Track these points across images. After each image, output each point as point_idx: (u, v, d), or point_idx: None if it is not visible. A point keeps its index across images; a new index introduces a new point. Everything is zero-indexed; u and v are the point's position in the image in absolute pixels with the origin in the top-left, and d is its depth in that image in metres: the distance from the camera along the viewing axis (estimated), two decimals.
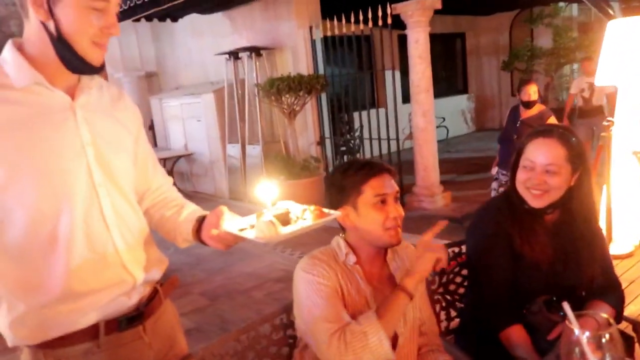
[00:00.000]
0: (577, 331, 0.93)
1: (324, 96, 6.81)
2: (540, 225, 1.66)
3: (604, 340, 0.92)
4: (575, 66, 9.51)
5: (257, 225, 1.14)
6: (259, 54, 6.89)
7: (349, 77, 6.73)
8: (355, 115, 6.73)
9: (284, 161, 6.36)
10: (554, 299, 1.57)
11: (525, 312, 1.63)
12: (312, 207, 1.21)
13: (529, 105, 4.67)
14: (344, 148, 7.05)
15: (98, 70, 1.16)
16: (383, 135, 6.17)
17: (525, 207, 1.65)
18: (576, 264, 1.65)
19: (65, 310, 1.14)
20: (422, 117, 5.99)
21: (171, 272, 1.40)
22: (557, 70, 8.78)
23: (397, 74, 9.22)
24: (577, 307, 1.63)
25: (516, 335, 1.59)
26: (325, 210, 1.22)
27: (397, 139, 5.94)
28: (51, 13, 1.05)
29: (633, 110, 3.81)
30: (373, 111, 6.38)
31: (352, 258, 1.46)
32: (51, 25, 1.06)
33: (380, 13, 5.74)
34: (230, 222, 1.22)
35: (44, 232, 1.11)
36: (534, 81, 4.81)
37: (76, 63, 1.11)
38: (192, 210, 1.38)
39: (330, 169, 6.92)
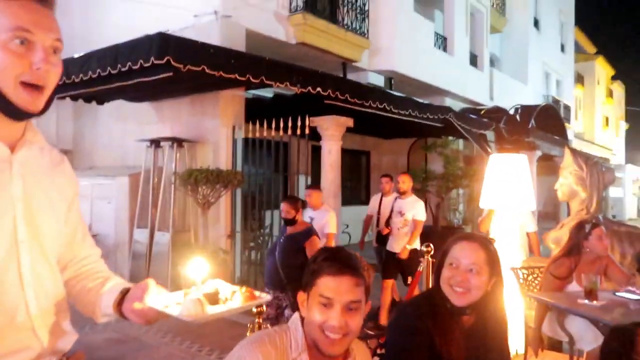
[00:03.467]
0: None
1: (239, 192, 6.83)
2: (457, 326, 1.70)
3: None
4: (462, 191, 10.47)
5: (184, 303, 1.08)
6: (180, 145, 6.87)
7: (265, 177, 6.87)
8: (267, 213, 6.78)
9: (192, 250, 6.13)
10: None
11: None
12: (243, 289, 1.17)
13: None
14: (252, 243, 6.99)
15: (34, 115, 1.06)
16: None
17: (448, 306, 1.70)
18: (487, 356, 1.71)
19: None
20: None
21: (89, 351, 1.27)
22: (447, 192, 9.61)
23: (309, 179, 9.54)
24: None
25: None
26: (257, 293, 1.18)
27: None
28: None
29: (508, 230, 4.21)
30: None
31: (304, 358, 1.31)
32: None
33: (299, 123, 6.07)
34: (155, 297, 1.14)
35: None
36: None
37: (5, 107, 1.01)
38: (116, 282, 1.27)
39: (238, 262, 6.77)
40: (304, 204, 4.58)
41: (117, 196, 7.27)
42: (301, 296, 1.39)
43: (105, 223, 7.41)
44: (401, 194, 5.42)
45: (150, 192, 6.94)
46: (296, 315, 1.41)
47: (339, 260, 1.34)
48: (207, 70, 4.94)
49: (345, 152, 8.62)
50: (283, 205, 4.23)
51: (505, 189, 3.90)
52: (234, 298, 1.15)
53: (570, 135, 12.71)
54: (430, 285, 1.84)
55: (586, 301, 2.98)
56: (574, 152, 4.60)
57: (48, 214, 1.15)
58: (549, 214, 14.63)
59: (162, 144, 6.99)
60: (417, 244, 5.27)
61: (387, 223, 5.47)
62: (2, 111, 1.03)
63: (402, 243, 5.22)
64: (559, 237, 4.30)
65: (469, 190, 10.32)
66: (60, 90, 6.31)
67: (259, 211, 6.90)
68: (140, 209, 6.98)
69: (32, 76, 1.00)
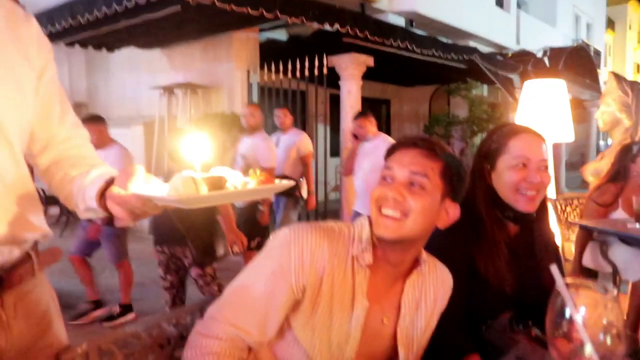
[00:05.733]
0: (570, 308, 0.73)
1: None
2: (503, 242, 1.41)
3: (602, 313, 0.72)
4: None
5: (172, 182, 0.83)
6: (194, 91, 6.63)
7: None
8: None
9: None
10: (517, 317, 1.35)
11: (483, 330, 1.37)
12: (257, 172, 0.90)
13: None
14: None
15: None
16: None
17: (509, 214, 1.40)
18: (538, 278, 1.42)
19: None
20: None
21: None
22: (471, 137, 9.24)
23: (327, 128, 9.27)
24: (543, 326, 1.44)
25: None
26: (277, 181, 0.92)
27: (325, 184, 5.82)
28: None
29: None
30: None
31: (367, 257, 1.07)
32: None
33: (317, 64, 5.74)
34: (143, 185, 0.89)
35: None
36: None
37: None
38: (103, 171, 1.03)
39: None
40: None
41: (132, 146, 7.10)
42: None
43: None
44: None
45: (166, 141, 6.77)
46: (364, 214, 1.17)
47: (413, 136, 1.12)
48: (217, 3, 4.61)
49: (365, 101, 8.28)
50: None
51: (541, 119, 3.57)
52: (246, 185, 0.89)
53: (600, 81, 12.06)
54: None
55: (637, 225, 2.71)
56: (619, 77, 4.20)
57: (4, 81, 0.92)
58: (574, 164, 14.13)
59: (175, 91, 6.76)
60: None
61: None
62: None
63: None
64: (598, 168, 3.98)
65: None
66: (68, 34, 6.10)
67: None
68: (156, 158, 6.83)
69: None
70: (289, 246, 1.04)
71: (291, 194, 4.55)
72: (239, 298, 1.06)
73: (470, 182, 1.41)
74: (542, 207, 1.45)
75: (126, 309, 3.86)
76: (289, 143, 4.69)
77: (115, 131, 7.26)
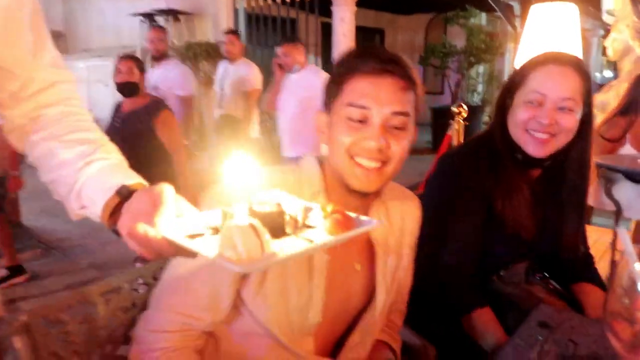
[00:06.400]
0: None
1: None
2: (525, 183, 1.24)
3: None
4: (482, 69, 9.68)
5: (225, 234, 0.56)
6: (177, 18, 6.18)
7: (270, 56, 6.22)
8: None
9: (197, 131, 5.71)
10: (533, 267, 1.21)
11: (495, 280, 1.23)
12: (329, 207, 0.65)
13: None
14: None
15: None
16: None
17: (518, 157, 1.22)
18: (559, 229, 1.28)
19: None
20: None
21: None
22: (468, 69, 8.86)
23: (319, 60, 8.87)
24: (560, 279, 1.28)
25: (484, 319, 1.18)
26: (351, 213, 0.66)
27: None
28: None
29: None
30: None
31: (321, 201, 0.92)
32: None
33: None
34: (173, 219, 0.65)
35: None
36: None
37: None
38: (109, 163, 0.77)
39: None
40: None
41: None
42: (320, 118, 0.95)
43: (103, 107, 6.96)
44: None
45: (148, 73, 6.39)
46: (309, 153, 1.01)
47: (377, 56, 0.88)
48: None
49: (358, 30, 7.84)
50: (119, 63, 2.85)
51: (549, 48, 3.29)
52: (310, 219, 0.65)
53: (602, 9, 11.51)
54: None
55: None
56: (635, 0, 3.86)
57: None
58: None
59: (156, 18, 6.31)
60: None
61: None
62: None
63: None
64: (605, 101, 3.75)
65: (489, 67, 9.52)
66: None
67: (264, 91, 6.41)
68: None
69: None
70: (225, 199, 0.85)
71: (236, 136, 4.08)
72: (181, 281, 0.89)
73: (494, 116, 1.28)
74: (577, 150, 1.25)
75: (15, 270, 3.16)
76: (236, 76, 4.09)
77: (96, 62, 6.88)
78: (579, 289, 1.31)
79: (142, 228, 0.62)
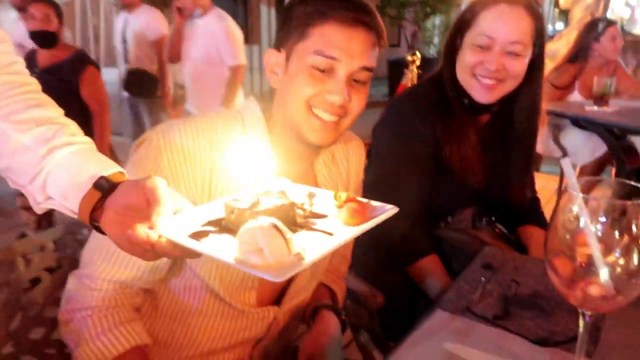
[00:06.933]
0: (583, 216, 0.52)
1: None
2: (473, 129, 1.21)
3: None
4: (438, 20, 9.62)
5: (246, 236, 0.51)
6: None
7: (221, 6, 5.93)
8: None
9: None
10: (480, 212, 1.20)
11: (442, 227, 1.22)
12: (343, 195, 0.63)
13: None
14: None
15: None
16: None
17: (465, 102, 1.19)
18: (507, 175, 1.27)
19: None
20: None
21: None
22: (424, 19, 8.77)
23: (271, 11, 8.55)
24: (509, 225, 1.28)
25: (430, 266, 1.17)
26: (363, 200, 0.63)
27: None
28: None
29: None
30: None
31: (265, 150, 0.88)
32: None
33: None
34: (171, 214, 0.58)
35: None
36: None
37: None
38: (80, 148, 0.67)
39: None
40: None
41: None
42: (272, 57, 0.87)
43: None
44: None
45: (90, 24, 6.00)
46: (251, 98, 0.94)
47: (350, 2, 0.82)
48: None
49: None
50: (31, 7, 2.46)
51: None
52: (315, 205, 0.62)
53: None
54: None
55: (595, 107, 2.59)
56: None
57: None
58: None
59: None
60: None
61: None
62: None
63: None
64: (555, 49, 3.78)
65: (446, 19, 9.46)
66: None
67: None
68: (81, 44, 6.09)
69: None
70: (160, 156, 0.79)
71: (151, 94, 3.57)
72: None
73: (442, 57, 1.23)
74: (526, 95, 1.23)
75: None
76: (137, 26, 3.54)
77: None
78: (525, 232, 1.33)
79: (142, 231, 0.55)
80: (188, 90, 3.23)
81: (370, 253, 1.21)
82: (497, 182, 1.25)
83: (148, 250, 0.57)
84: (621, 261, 0.52)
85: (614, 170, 2.83)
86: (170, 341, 0.92)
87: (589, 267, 0.53)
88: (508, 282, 0.87)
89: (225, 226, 0.58)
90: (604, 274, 0.52)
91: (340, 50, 0.79)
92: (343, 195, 0.62)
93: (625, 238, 0.52)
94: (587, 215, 0.52)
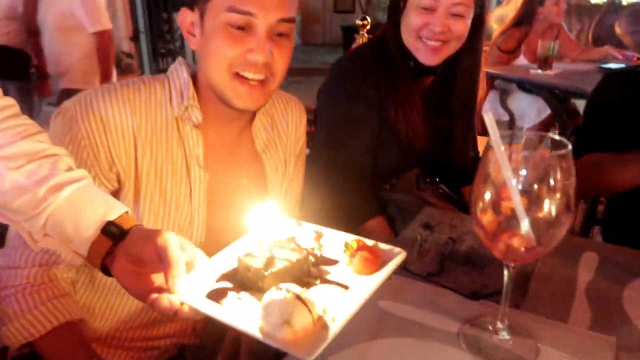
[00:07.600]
0: (504, 168, 0.52)
1: None
2: (418, 93, 1.22)
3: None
4: None
5: (270, 308, 0.51)
6: None
7: None
8: (176, 15, 5.77)
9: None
10: (424, 174, 1.21)
11: (387, 189, 1.22)
12: (354, 244, 0.63)
13: None
14: (163, 50, 6.23)
15: None
16: None
17: (411, 64, 1.19)
18: (450, 136, 1.29)
19: None
20: None
21: None
22: None
23: None
24: (454, 185, 1.30)
25: (375, 229, 1.18)
26: (370, 242, 0.64)
27: None
28: None
29: None
30: None
31: (195, 115, 0.83)
32: None
33: None
34: (186, 270, 0.58)
35: None
36: None
37: None
38: (79, 187, 0.64)
39: (147, 69, 5.95)
40: None
41: None
42: (187, 16, 0.83)
43: None
44: None
45: None
46: (179, 60, 0.89)
47: None
48: None
49: None
50: None
51: None
52: (324, 247, 0.65)
53: None
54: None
55: (539, 71, 2.65)
56: None
57: None
58: None
59: None
60: None
61: None
62: None
63: None
64: (504, 14, 3.82)
65: None
66: None
67: (167, 12, 5.94)
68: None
69: None
70: (77, 126, 0.76)
71: (26, 75, 2.95)
72: None
73: (387, 18, 1.22)
74: (467, 55, 1.24)
75: None
76: None
77: None
78: (468, 191, 1.36)
79: (166, 300, 0.56)
80: (50, 65, 2.85)
81: (318, 217, 1.21)
82: (440, 144, 1.27)
83: (170, 314, 0.57)
84: (541, 214, 0.53)
85: (557, 133, 2.94)
86: (108, 314, 0.90)
87: (512, 220, 0.54)
88: (445, 239, 0.89)
89: (241, 282, 0.58)
90: (525, 225, 0.53)
91: (255, 3, 0.75)
92: (354, 244, 0.62)
93: (545, 189, 0.52)
94: (508, 168, 0.52)
